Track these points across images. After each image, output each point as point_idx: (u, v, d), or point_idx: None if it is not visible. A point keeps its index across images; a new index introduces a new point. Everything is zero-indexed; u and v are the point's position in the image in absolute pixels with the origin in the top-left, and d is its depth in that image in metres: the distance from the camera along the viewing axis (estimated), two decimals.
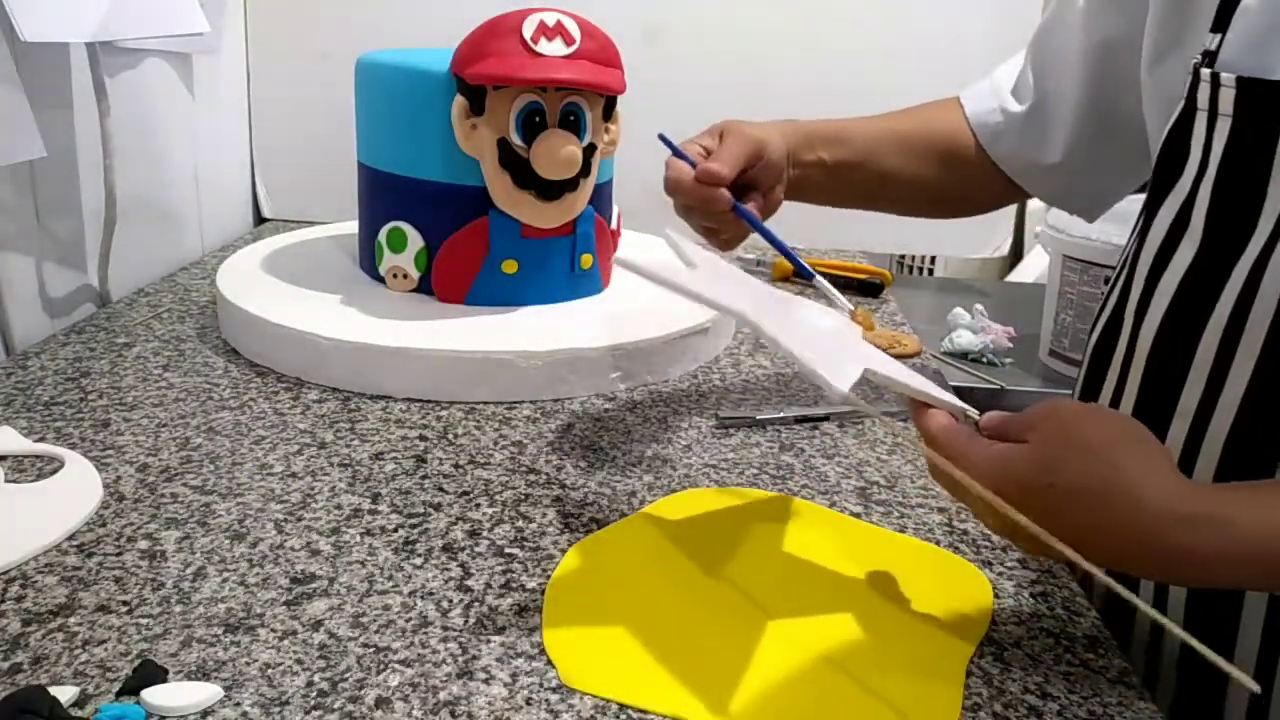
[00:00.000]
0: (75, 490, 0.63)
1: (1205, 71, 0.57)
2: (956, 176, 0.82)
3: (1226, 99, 0.56)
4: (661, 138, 0.72)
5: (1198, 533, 0.45)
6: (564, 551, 0.59)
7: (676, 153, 0.71)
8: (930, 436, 0.51)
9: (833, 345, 0.55)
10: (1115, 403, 0.63)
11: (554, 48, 0.82)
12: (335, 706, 0.46)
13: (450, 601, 0.54)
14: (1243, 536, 0.45)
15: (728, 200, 0.69)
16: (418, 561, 0.58)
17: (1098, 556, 0.45)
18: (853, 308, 0.62)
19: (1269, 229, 0.54)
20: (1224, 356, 0.55)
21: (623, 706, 0.47)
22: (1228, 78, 0.55)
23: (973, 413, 0.52)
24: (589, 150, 0.86)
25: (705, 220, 0.72)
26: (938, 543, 0.63)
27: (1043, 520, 0.46)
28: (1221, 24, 0.58)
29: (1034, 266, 1.74)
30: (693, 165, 0.69)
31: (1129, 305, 0.63)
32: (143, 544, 0.58)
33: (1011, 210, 1.38)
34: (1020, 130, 0.79)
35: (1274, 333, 0.53)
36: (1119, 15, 0.70)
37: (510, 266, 0.87)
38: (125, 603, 0.53)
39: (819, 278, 0.69)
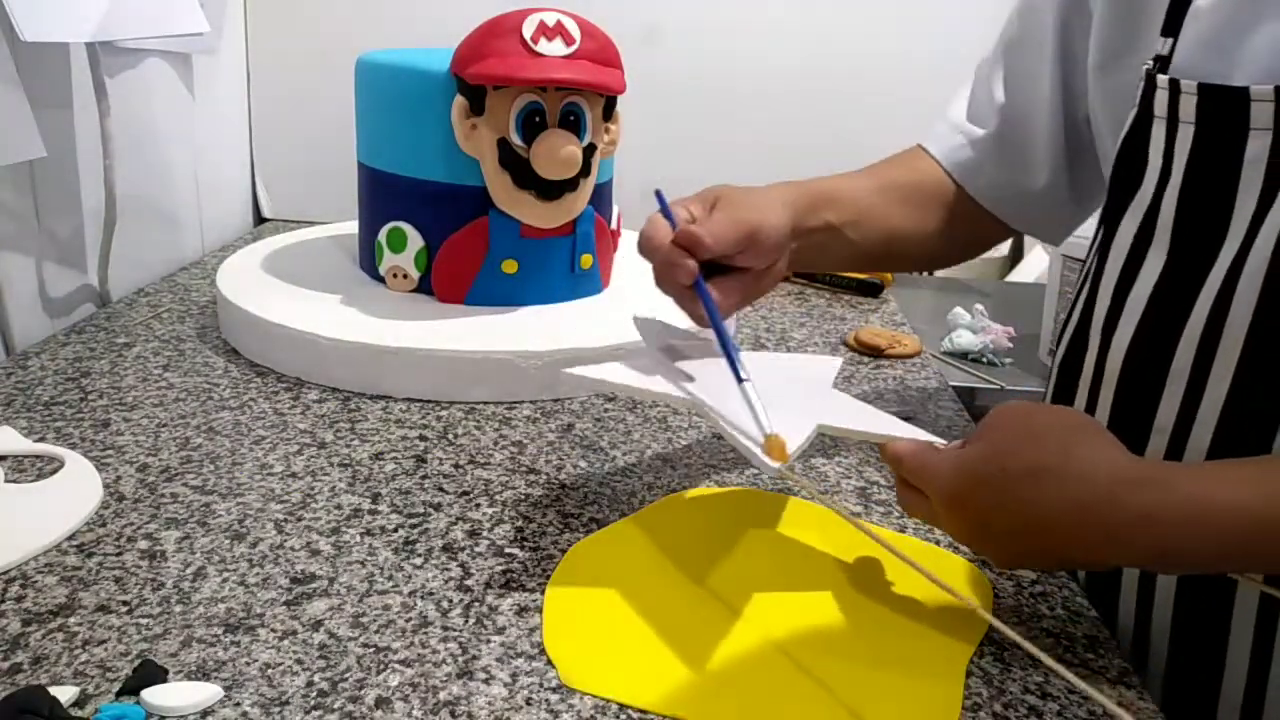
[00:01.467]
0: (75, 490, 0.63)
1: (1162, 78, 0.56)
2: (953, 222, 0.77)
3: (1187, 106, 0.55)
4: (657, 194, 0.64)
5: (1143, 493, 0.46)
6: (564, 551, 0.59)
7: (664, 211, 0.62)
8: (895, 460, 0.53)
9: (796, 401, 0.57)
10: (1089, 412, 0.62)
11: (554, 48, 0.82)
12: (335, 706, 0.46)
13: (450, 601, 0.54)
14: (1186, 495, 0.45)
15: (692, 272, 0.59)
16: (418, 561, 0.58)
17: (1053, 539, 0.47)
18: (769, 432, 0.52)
19: (1240, 237, 0.53)
20: (1200, 368, 0.55)
21: (623, 706, 0.47)
22: (1188, 84, 0.55)
23: (939, 441, 0.54)
24: (589, 150, 0.86)
25: (669, 291, 0.62)
26: (937, 543, 0.63)
27: (997, 511, 0.48)
28: (1172, 28, 0.58)
29: (1034, 266, 1.74)
30: (674, 225, 0.61)
31: (1094, 320, 0.62)
32: (143, 544, 0.58)
33: None
34: (995, 158, 0.75)
35: (1251, 342, 0.52)
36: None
37: (510, 266, 0.87)
38: (125, 603, 0.53)
39: (747, 385, 0.56)
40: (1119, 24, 0.63)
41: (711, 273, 0.61)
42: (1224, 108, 0.53)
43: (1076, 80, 0.70)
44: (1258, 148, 0.52)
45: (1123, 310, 0.59)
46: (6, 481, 0.64)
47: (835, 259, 0.75)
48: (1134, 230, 0.59)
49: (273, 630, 0.51)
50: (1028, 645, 0.44)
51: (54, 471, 0.65)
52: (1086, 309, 0.63)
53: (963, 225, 0.77)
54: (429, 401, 0.79)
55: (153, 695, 0.45)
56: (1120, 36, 0.63)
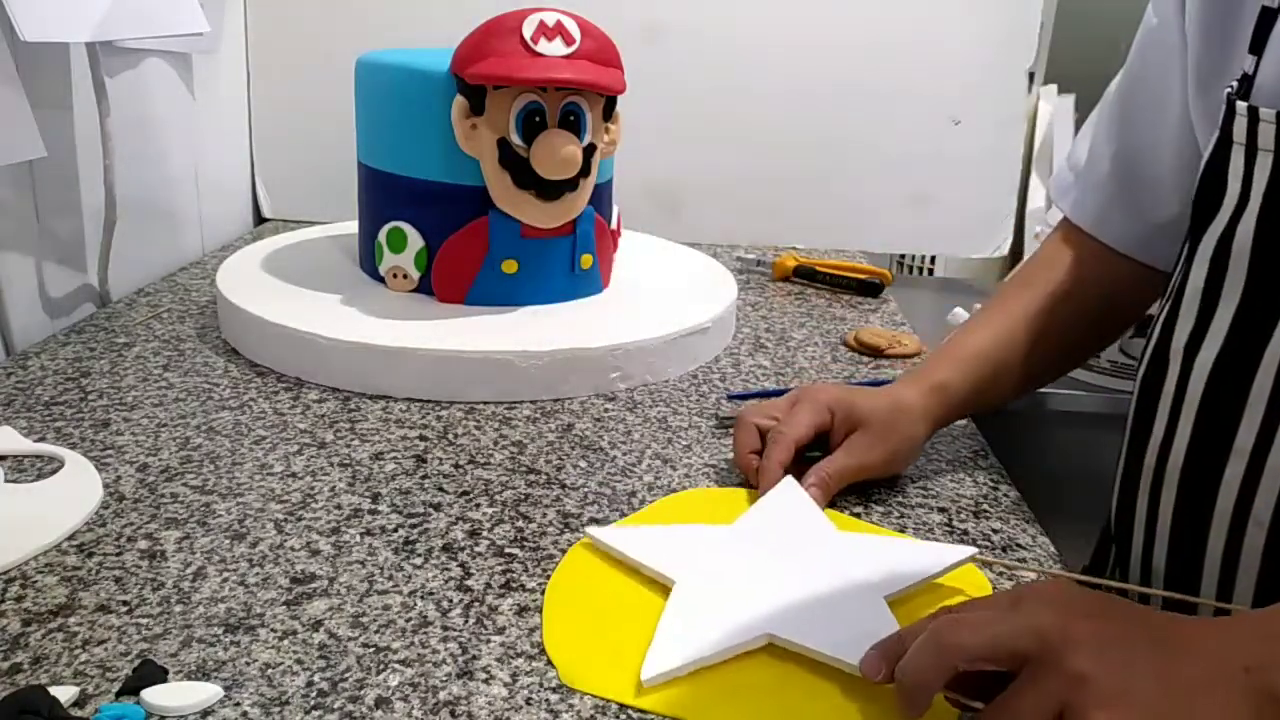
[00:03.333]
0: (75, 490, 0.63)
1: (1241, 105, 0.55)
2: (1112, 298, 0.74)
3: (1266, 134, 0.54)
4: (732, 397, 0.70)
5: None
6: (564, 551, 0.59)
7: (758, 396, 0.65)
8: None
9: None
10: (1168, 440, 0.61)
11: (554, 48, 0.82)
12: (335, 706, 0.46)
13: (450, 601, 0.54)
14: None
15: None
16: (418, 561, 0.58)
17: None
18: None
19: None
20: (1278, 398, 0.54)
21: (623, 706, 0.47)
22: (1267, 112, 0.54)
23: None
24: (589, 150, 0.86)
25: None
26: (938, 542, 0.63)
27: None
28: (1258, 46, 0.57)
29: None
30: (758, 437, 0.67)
31: (1174, 341, 0.61)
32: (143, 544, 0.58)
33: (1011, 210, 1.38)
34: (1114, 195, 0.72)
35: None
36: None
37: (510, 266, 0.87)
38: (125, 603, 0.53)
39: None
40: (1210, 45, 0.62)
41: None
42: None
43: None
44: None
45: (1206, 333, 0.58)
46: (6, 481, 0.64)
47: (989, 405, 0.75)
48: (1211, 255, 0.58)
49: (273, 630, 0.51)
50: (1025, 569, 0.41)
51: (54, 471, 0.65)
52: (1166, 329, 0.62)
53: (1123, 294, 0.74)
54: (429, 401, 0.79)
55: (153, 695, 0.45)
56: (1211, 58, 0.62)
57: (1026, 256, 1.83)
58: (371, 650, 0.50)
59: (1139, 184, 0.71)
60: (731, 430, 0.77)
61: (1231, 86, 0.57)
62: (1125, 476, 0.66)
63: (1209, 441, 0.58)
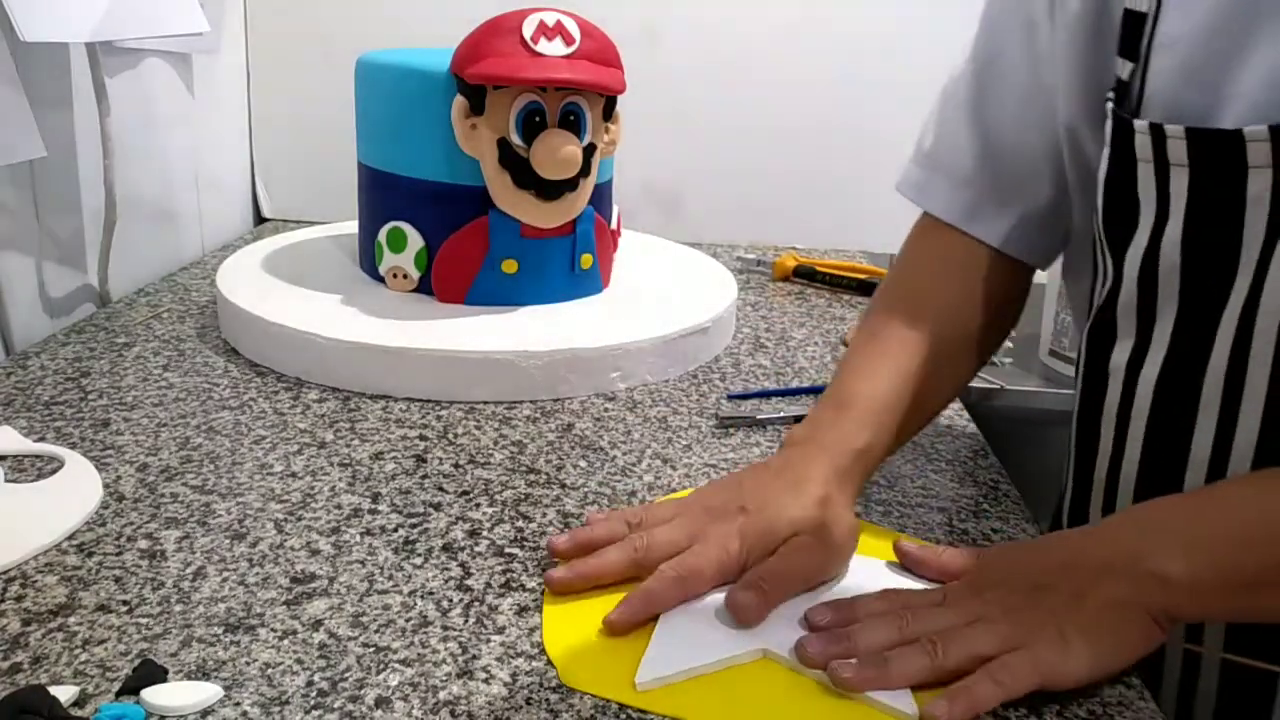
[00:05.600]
0: (75, 490, 0.63)
1: (1141, 123, 0.54)
2: (981, 318, 0.69)
3: (1177, 149, 0.53)
4: (732, 398, 0.64)
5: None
6: None
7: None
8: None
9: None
10: (1118, 453, 0.61)
11: (554, 47, 0.82)
12: (335, 706, 0.46)
13: (450, 601, 0.54)
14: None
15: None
16: (418, 561, 0.58)
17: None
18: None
19: (1251, 271, 0.52)
20: (1230, 402, 0.54)
21: (623, 706, 0.47)
22: (1174, 129, 0.52)
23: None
24: (589, 150, 0.86)
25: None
26: (938, 542, 0.63)
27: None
28: (1128, 50, 0.56)
29: None
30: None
31: (1113, 357, 0.60)
32: (143, 544, 0.58)
33: None
34: (983, 188, 0.68)
35: (1276, 376, 0.52)
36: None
37: (510, 266, 0.87)
38: (125, 602, 0.53)
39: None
40: (1085, 41, 0.60)
41: None
42: (1218, 150, 0.51)
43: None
44: (1260, 185, 0.50)
45: (1148, 348, 0.58)
46: (6, 481, 0.64)
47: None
48: (1138, 272, 0.57)
49: (273, 630, 0.51)
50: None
51: (54, 471, 0.65)
52: (1098, 346, 0.61)
53: (998, 294, 0.69)
54: (429, 401, 0.79)
55: (153, 695, 0.45)
56: (1087, 56, 0.60)
57: None
58: (371, 650, 0.50)
59: (1008, 174, 0.67)
60: (731, 430, 0.77)
61: (1109, 96, 0.56)
62: (1075, 490, 0.66)
63: (1163, 453, 0.58)
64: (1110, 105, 0.56)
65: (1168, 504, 0.53)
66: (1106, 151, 0.57)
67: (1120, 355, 0.60)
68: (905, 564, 0.57)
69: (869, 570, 0.58)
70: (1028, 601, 0.50)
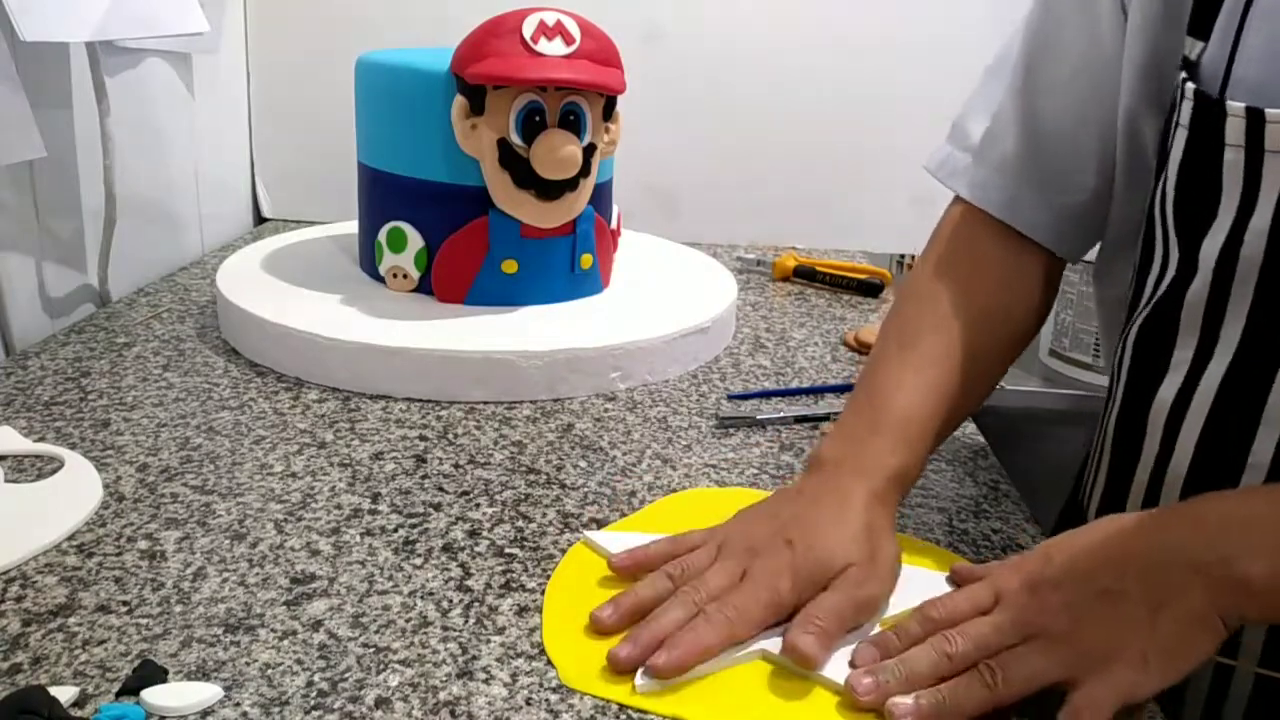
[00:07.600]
0: (75, 490, 0.63)
1: (1236, 105, 0.51)
2: (1018, 318, 0.67)
3: (1276, 135, 0.50)
4: (732, 398, 0.61)
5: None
6: (564, 551, 0.59)
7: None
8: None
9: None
10: (1165, 455, 0.58)
11: (554, 47, 0.82)
12: (335, 706, 0.46)
13: (450, 601, 0.54)
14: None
15: None
16: (418, 561, 0.58)
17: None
18: None
19: None
20: None
21: (623, 706, 0.47)
22: (1275, 113, 0.49)
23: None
24: (589, 150, 0.86)
25: None
26: (938, 542, 0.63)
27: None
28: (1199, 29, 0.53)
29: None
30: None
31: (1174, 354, 0.57)
32: (143, 544, 0.58)
33: None
34: (1024, 175, 0.66)
35: None
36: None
37: (510, 266, 0.87)
38: (125, 603, 0.53)
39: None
40: (1155, 23, 0.58)
41: None
42: None
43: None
44: None
45: (1215, 347, 0.55)
46: (6, 481, 0.64)
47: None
48: (1214, 266, 0.54)
49: (273, 630, 0.51)
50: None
51: (54, 471, 0.65)
52: (1155, 342, 0.58)
53: (1031, 294, 0.67)
54: (429, 401, 0.79)
55: (153, 695, 0.45)
56: (1156, 38, 0.58)
57: None
58: (371, 650, 0.50)
59: (1053, 162, 0.65)
60: (731, 431, 0.77)
61: (1183, 77, 0.53)
62: (1110, 489, 0.63)
63: (1218, 459, 0.55)
64: (1191, 86, 0.53)
65: (1246, 498, 0.50)
66: (1183, 135, 0.54)
67: (1182, 353, 0.56)
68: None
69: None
70: (1101, 612, 0.46)
